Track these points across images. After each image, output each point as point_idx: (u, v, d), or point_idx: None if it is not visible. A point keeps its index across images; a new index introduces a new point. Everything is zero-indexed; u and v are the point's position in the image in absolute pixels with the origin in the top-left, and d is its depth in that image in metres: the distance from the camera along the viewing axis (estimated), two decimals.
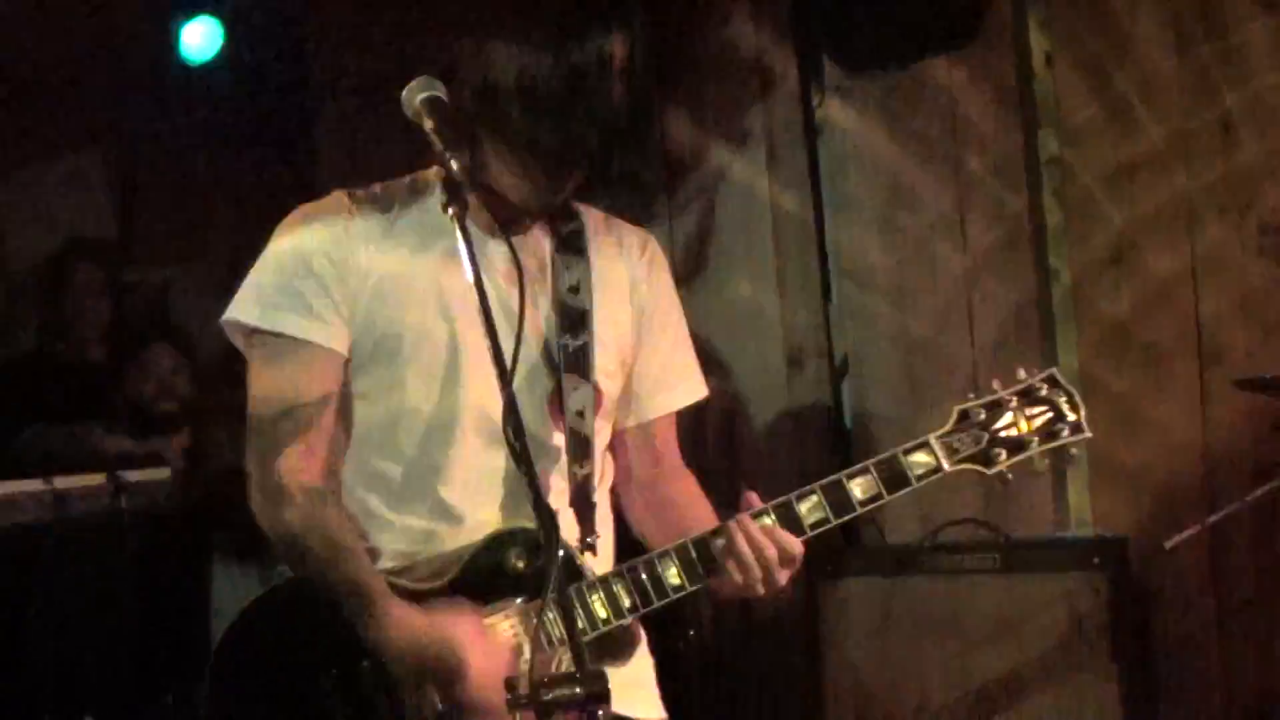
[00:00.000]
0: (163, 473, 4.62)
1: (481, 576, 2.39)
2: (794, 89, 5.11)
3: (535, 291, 2.44)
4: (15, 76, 5.43)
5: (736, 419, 5.17)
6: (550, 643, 2.34)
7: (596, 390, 2.48)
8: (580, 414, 2.45)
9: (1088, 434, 2.49)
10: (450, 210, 2.11)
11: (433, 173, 2.46)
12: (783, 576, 2.39)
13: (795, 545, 2.39)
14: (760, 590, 2.38)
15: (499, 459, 2.41)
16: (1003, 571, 4.10)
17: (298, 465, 2.37)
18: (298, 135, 5.73)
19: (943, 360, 4.86)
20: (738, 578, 2.37)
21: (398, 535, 2.44)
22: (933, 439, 2.46)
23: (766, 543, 2.36)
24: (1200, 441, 4.51)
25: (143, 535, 4.37)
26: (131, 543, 4.34)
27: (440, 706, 2.31)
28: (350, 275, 2.40)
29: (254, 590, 4.32)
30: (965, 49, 4.78)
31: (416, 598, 2.35)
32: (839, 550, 4.28)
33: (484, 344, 2.05)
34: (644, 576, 2.39)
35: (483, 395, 2.38)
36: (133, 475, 4.44)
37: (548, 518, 2.02)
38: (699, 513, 2.54)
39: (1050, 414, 2.50)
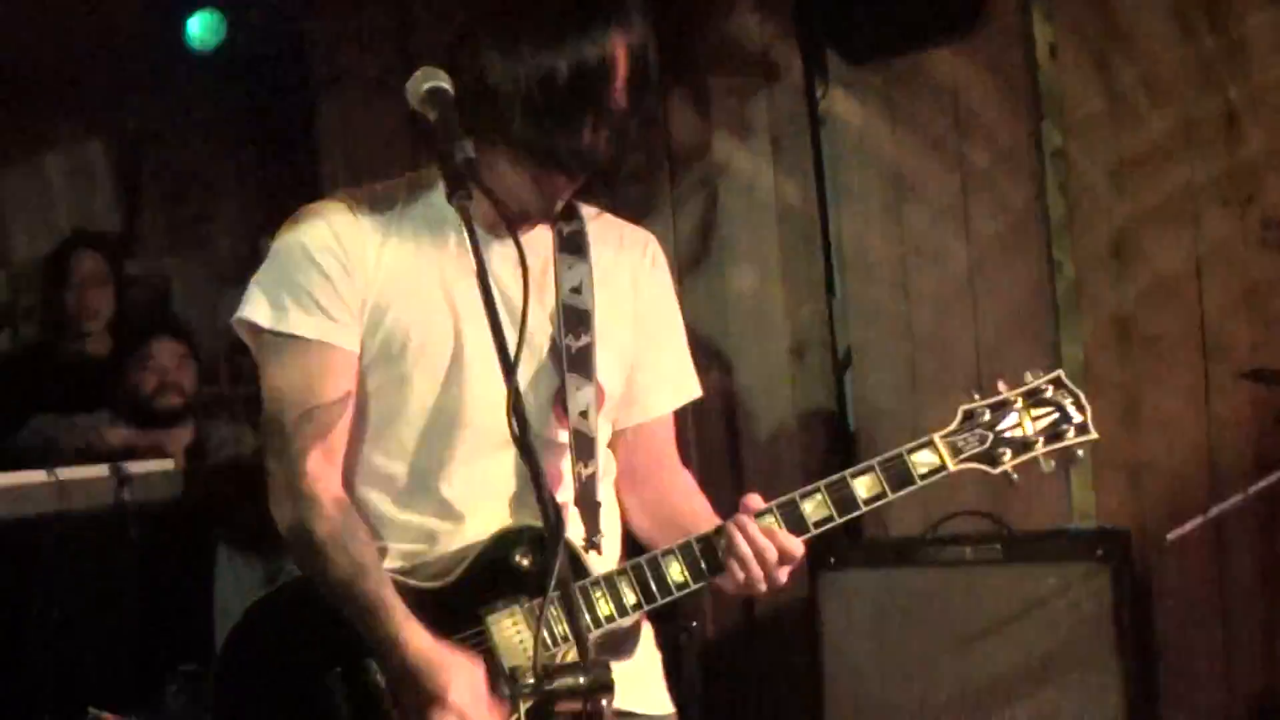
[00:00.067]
0: (166, 465, 4.62)
1: (487, 575, 2.39)
2: (797, 81, 5.10)
3: (538, 291, 2.43)
4: (18, 70, 5.44)
5: (739, 411, 5.17)
6: (555, 641, 2.34)
7: (599, 390, 2.48)
8: (584, 414, 2.45)
9: (1094, 435, 2.49)
10: (455, 201, 2.11)
11: (434, 171, 2.45)
12: (783, 574, 2.40)
13: (797, 546, 2.39)
14: (761, 589, 2.39)
15: (504, 457, 2.41)
16: (1005, 564, 4.10)
17: (323, 471, 2.37)
18: (299, 128, 5.73)
19: (946, 352, 4.86)
20: (739, 576, 2.38)
21: (403, 534, 2.44)
22: (937, 438, 2.46)
23: (767, 543, 2.37)
24: (1203, 434, 4.51)
25: (146, 527, 4.37)
26: (134, 535, 4.33)
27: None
28: (357, 273, 2.39)
29: (257, 583, 4.36)
30: (969, 41, 4.77)
31: (423, 597, 2.36)
32: (841, 542, 4.28)
33: (488, 341, 2.05)
34: (647, 573, 2.40)
35: (487, 392, 2.37)
36: (136, 467, 4.44)
37: (552, 509, 2.02)
38: (697, 510, 2.54)
39: (1056, 415, 2.49)
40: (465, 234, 2.10)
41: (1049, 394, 2.51)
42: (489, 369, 2.24)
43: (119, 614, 4.32)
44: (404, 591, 2.36)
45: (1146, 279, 4.61)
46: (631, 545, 2.58)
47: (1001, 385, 2.51)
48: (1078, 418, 2.50)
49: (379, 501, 2.45)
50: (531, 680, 1.93)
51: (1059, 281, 4.70)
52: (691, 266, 5.20)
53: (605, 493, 2.52)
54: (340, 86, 5.59)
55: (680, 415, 2.66)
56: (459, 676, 2.30)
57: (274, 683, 2.40)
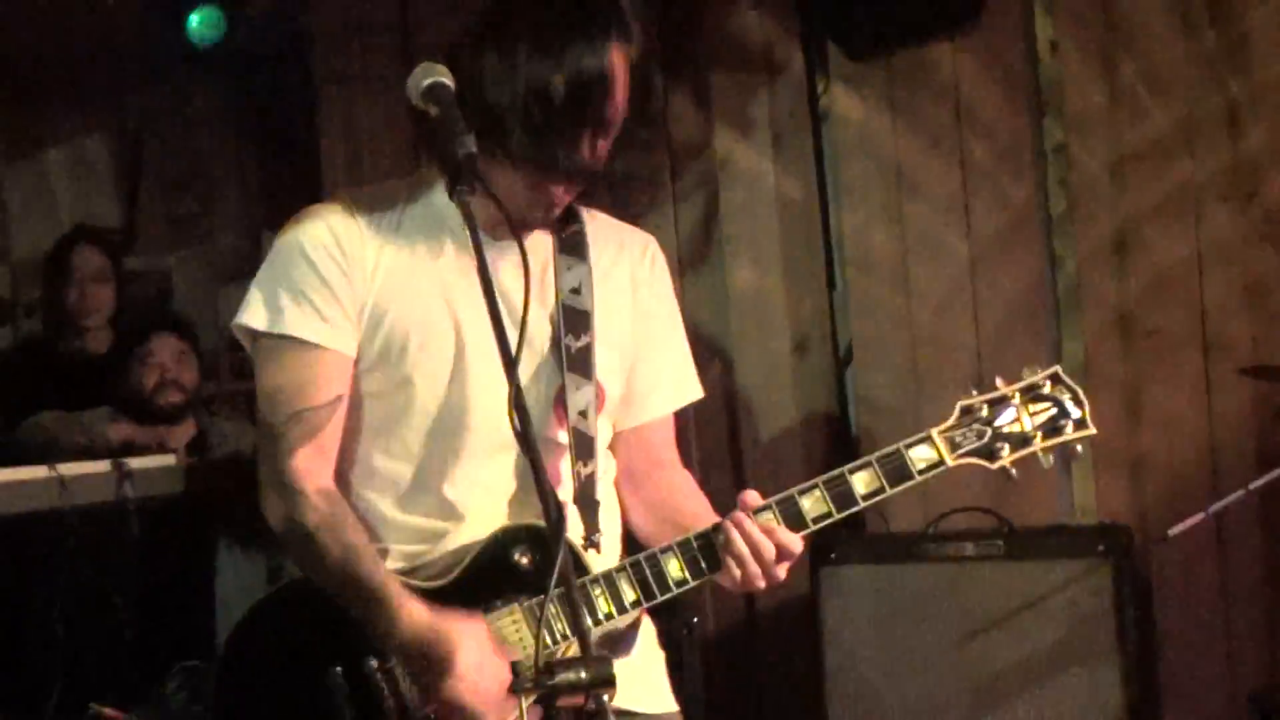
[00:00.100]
0: (167, 460, 4.62)
1: (487, 574, 2.39)
2: (798, 76, 5.10)
3: (538, 291, 2.43)
4: (20, 65, 5.44)
5: (740, 407, 5.17)
6: (554, 640, 2.34)
7: (599, 390, 2.48)
8: (583, 413, 2.45)
9: (1092, 430, 2.50)
10: (456, 198, 2.11)
11: (434, 172, 2.45)
12: (781, 571, 2.40)
13: (795, 543, 2.40)
14: (759, 585, 2.39)
15: (505, 458, 2.42)
16: (1006, 560, 4.10)
17: (310, 466, 2.38)
18: (301, 124, 5.72)
19: (947, 347, 4.86)
20: (736, 574, 2.39)
21: (405, 535, 2.44)
22: (935, 433, 2.46)
23: (764, 540, 2.37)
24: (1204, 429, 4.52)
25: (147, 523, 4.37)
26: (136, 530, 4.34)
27: (428, 711, 2.32)
28: (356, 276, 2.39)
29: (259, 579, 4.36)
30: (970, 36, 4.77)
31: (426, 596, 2.36)
32: (843, 538, 4.28)
33: (489, 342, 2.05)
34: (646, 571, 2.40)
35: (489, 393, 2.38)
36: (137, 463, 4.44)
37: (554, 504, 2.02)
38: (697, 510, 2.54)
39: (1054, 410, 2.50)
40: (464, 236, 2.11)
41: (1047, 389, 2.51)
42: (490, 369, 2.25)
43: (120, 610, 4.32)
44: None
45: (1148, 275, 4.61)
46: (631, 545, 2.58)
47: (999, 381, 2.51)
48: (1076, 413, 2.50)
49: (380, 503, 2.45)
50: (533, 676, 1.93)
51: (1060, 277, 4.70)
52: (692, 262, 5.19)
53: (604, 492, 2.52)
54: (342, 82, 5.59)
55: (681, 411, 2.66)
56: (465, 642, 2.30)
57: (275, 682, 2.40)
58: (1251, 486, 3.69)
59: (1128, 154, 4.62)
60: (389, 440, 2.44)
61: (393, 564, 2.41)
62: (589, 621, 2.35)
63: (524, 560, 2.39)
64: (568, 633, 2.33)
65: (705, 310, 5.09)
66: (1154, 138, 4.58)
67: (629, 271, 2.57)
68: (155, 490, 4.46)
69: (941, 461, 2.45)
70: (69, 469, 4.28)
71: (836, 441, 5.04)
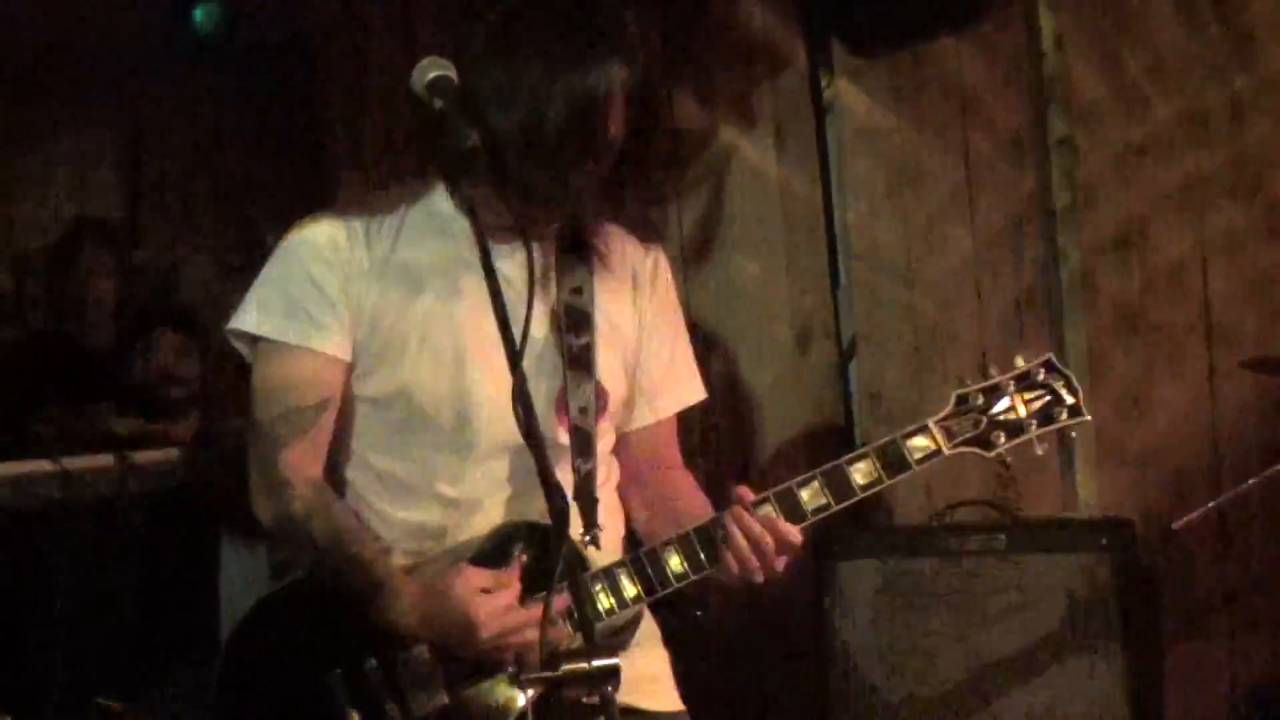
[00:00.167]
0: (171, 454, 4.62)
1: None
2: (802, 70, 5.09)
3: (539, 292, 2.43)
4: (23, 57, 5.43)
5: (743, 400, 5.16)
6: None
7: (600, 389, 2.49)
8: (583, 411, 2.46)
9: (1086, 417, 2.53)
10: (458, 195, 2.11)
11: (434, 177, 2.46)
12: (781, 564, 2.40)
13: (794, 535, 2.40)
14: (759, 578, 2.40)
15: (506, 455, 2.43)
16: (1010, 552, 4.09)
17: (300, 461, 2.40)
18: (306, 117, 5.72)
19: (951, 341, 4.85)
20: (734, 568, 2.39)
21: (406, 533, 2.46)
22: (931, 423, 2.48)
23: (763, 533, 2.37)
24: (1209, 422, 4.52)
25: (150, 517, 4.38)
26: (139, 524, 4.34)
27: (446, 700, 2.32)
28: (354, 281, 2.41)
29: (262, 573, 4.36)
30: (974, 29, 4.77)
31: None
32: (846, 531, 4.28)
33: (489, 342, 2.06)
34: (647, 566, 2.41)
35: (489, 393, 2.39)
36: (141, 457, 4.45)
37: (558, 495, 2.02)
38: (698, 509, 2.54)
39: (1047, 397, 2.53)
40: (464, 239, 2.11)
41: (1040, 377, 2.54)
42: (491, 369, 2.26)
43: (123, 603, 4.32)
44: None
45: (1152, 268, 4.61)
46: (632, 544, 2.58)
47: (993, 370, 2.54)
48: (1069, 400, 2.53)
49: (380, 501, 2.47)
50: (539, 667, 1.93)
51: (1064, 270, 4.69)
52: (696, 256, 5.19)
53: (604, 489, 2.53)
54: (347, 75, 5.58)
55: (678, 422, 2.66)
56: (468, 590, 2.30)
57: (277, 680, 2.41)
58: (1256, 479, 3.69)
59: (1132, 147, 4.62)
60: (390, 440, 2.45)
61: (395, 562, 2.42)
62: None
63: (524, 557, 2.39)
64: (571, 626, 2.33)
65: (708, 303, 5.09)
66: (1159, 131, 4.58)
67: (630, 274, 2.58)
68: (159, 484, 4.47)
69: (938, 450, 2.47)
70: (72, 463, 4.29)
71: (839, 435, 5.04)
